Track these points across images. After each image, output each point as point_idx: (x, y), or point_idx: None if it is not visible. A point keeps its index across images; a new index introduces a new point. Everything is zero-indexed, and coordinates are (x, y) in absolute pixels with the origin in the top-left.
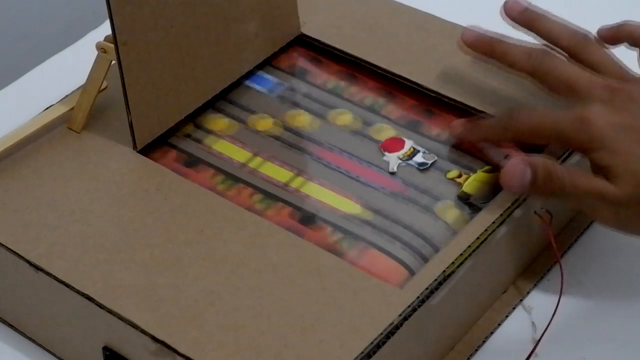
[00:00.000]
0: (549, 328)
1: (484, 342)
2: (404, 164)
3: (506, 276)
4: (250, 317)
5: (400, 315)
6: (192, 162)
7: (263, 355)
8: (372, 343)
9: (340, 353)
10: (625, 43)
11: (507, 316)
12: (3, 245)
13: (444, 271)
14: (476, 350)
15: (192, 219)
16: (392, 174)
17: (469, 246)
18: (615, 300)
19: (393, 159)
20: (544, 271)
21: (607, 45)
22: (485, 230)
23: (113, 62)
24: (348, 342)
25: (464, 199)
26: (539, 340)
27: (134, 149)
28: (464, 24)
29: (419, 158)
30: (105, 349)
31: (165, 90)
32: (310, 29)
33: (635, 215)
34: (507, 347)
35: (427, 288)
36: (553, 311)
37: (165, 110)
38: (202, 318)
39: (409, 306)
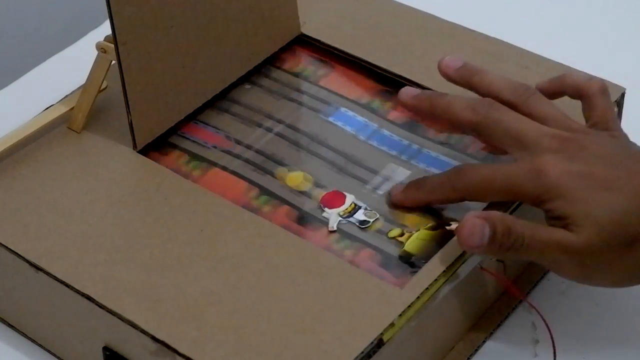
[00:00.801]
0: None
1: (484, 342)
2: (344, 221)
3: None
4: (250, 317)
5: (400, 315)
6: (192, 161)
7: (263, 355)
8: (372, 343)
9: (340, 353)
10: (568, 95)
11: (507, 316)
12: (3, 245)
13: (444, 271)
14: (476, 350)
15: (192, 219)
16: (333, 232)
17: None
18: (615, 300)
19: (333, 216)
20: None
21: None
22: (427, 289)
23: (113, 62)
24: (348, 342)
25: (406, 259)
26: (553, 341)
27: (134, 149)
28: (464, 24)
29: (360, 215)
30: (105, 349)
31: (165, 90)
32: (310, 29)
33: (600, 263)
34: (507, 347)
35: (427, 288)
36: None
37: (165, 110)
38: (202, 318)
39: (409, 306)
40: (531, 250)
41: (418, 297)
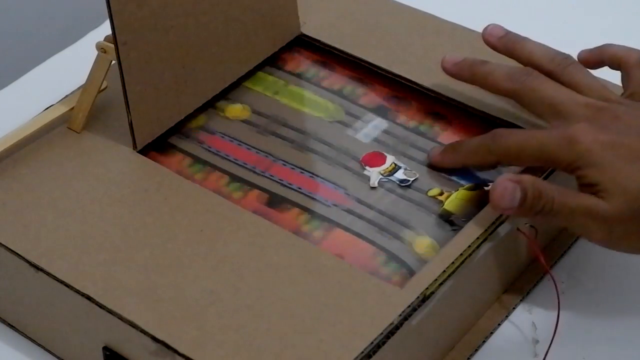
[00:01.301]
0: (550, 329)
1: (484, 342)
2: (385, 179)
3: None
4: (250, 317)
5: (400, 315)
6: (192, 161)
7: (263, 355)
8: (372, 343)
9: (340, 353)
10: (607, 66)
11: (507, 316)
12: (3, 245)
13: (445, 271)
14: (476, 350)
15: (192, 219)
16: (373, 188)
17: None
18: (615, 300)
19: (374, 174)
20: (534, 283)
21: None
22: (469, 246)
23: (113, 62)
24: (348, 342)
25: (446, 217)
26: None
27: (134, 149)
28: (464, 24)
29: (400, 174)
30: (105, 349)
31: (165, 90)
32: (310, 29)
33: (628, 231)
34: (507, 347)
35: (427, 288)
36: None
37: (165, 110)
38: (202, 318)
39: (409, 306)
40: (561, 215)
41: (461, 254)
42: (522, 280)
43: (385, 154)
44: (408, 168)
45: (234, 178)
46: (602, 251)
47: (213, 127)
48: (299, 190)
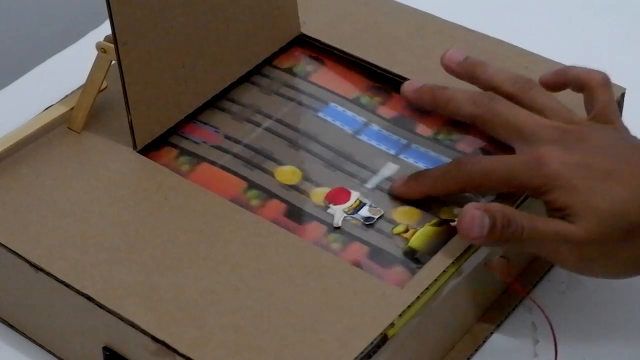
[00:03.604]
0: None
1: (484, 342)
2: (349, 217)
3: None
4: (250, 317)
5: (400, 315)
6: (192, 162)
7: (263, 355)
8: (372, 343)
9: (340, 353)
10: (570, 88)
11: (507, 316)
12: (3, 245)
13: (445, 271)
14: (476, 350)
15: (192, 219)
16: (337, 228)
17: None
18: (615, 300)
19: (338, 213)
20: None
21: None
22: (470, 246)
23: (113, 62)
24: (348, 342)
25: (411, 255)
26: (555, 340)
27: (134, 149)
28: (464, 24)
29: (364, 212)
30: (105, 349)
31: (165, 90)
32: (310, 29)
33: (600, 254)
34: (507, 347)
35: (427, 288)
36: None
37: (165, 110)
38: (202, 318)
39: (409, 306)
40: (531, 241)
41: (424, 291)
42: (526, 275)
43: (350, 189)
44: (372, 205)
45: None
46: None
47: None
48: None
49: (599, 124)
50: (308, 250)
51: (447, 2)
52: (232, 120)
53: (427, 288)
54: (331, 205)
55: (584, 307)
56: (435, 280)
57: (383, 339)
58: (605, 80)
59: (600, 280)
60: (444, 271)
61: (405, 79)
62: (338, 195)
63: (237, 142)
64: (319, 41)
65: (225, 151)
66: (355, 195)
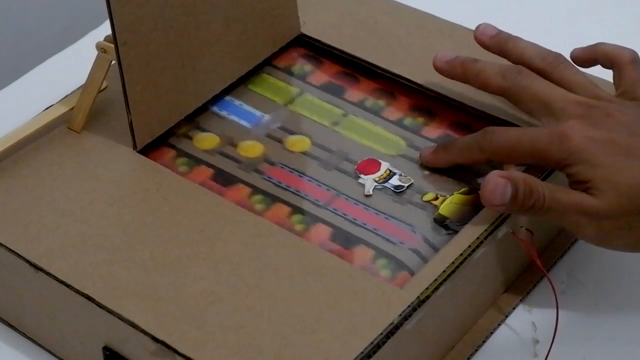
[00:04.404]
0: (550, 329)
1: (484, 342)
2: (380, 186)
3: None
4: (250, 317)
5: (400, 315)
6: (192, 162)
7: (263, 355)
8: (372, 343)
9: (340, 353)
10: (600, 64)
11: (507, 316)
12: (3, 245)
13: (444, 271)
14: (476, 350)
15: (192, 219)
16: (368, 196)
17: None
18: (615, 300)
19: (369, 182)
20: (534, 283)
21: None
22: (469, 246)
23: (113, 62)
24: (348, 342)
25: (440, 222)
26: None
27: (134, 149)
28: (464, 24)
29: (395, 181)
30: (105, 349)
31: (165, 90)
32: (310, 29)
33: (619, 228)
34: (507, 347)
35: (427, 288)
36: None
37: (165, 110)
38: (202, 318)
39: (409, 306)
40: (552, 211)
41: (461, 254)
42: (522, 280)
43: (380, 160)
44: (402, 174)
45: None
46: (602, 251)
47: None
48: (287, 188)
49: (626, 100)
50: (308, 250)
51: (447, 2)
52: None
53: (461, 253)
54: (362, 176)
55: (583, 307)
56: (470, 245)
57: (388, 334)
58: (634, 58)
59: (600, 280)
60: (436, 279)
61: (406, 79)
62: (368, 166)
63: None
64: (319, 41)
65: (226, 156)
66: (385, 166)
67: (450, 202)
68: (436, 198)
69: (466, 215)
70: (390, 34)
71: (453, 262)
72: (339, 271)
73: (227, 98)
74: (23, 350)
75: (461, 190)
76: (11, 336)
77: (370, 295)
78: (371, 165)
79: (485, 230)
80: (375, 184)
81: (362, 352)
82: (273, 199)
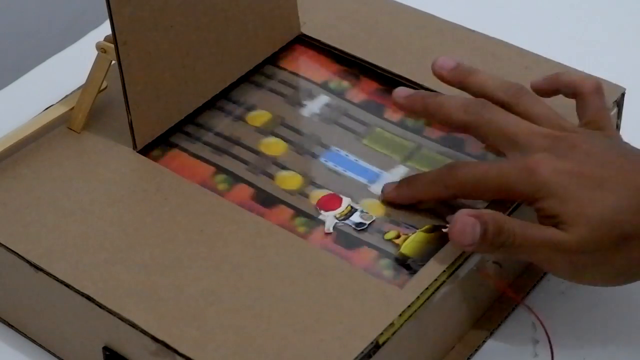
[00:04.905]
0: (549, 330)
1: (484, 342)
2: (340, 223)
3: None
4: (250, 317)
5: (400, 315)
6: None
7: (263, 355)
8: (372, 343)
9: (340, 353)
10: (562, 94)
11: (507, 316)
12: (3, 245)
13: (445, 271)
14: (476, 350)
15: (192, 219)
16: (328, 234)
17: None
18: (615, 300)
19: (329, 219)
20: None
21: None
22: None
23: (113, 62)
24: (348, 342)
25: (402, 261)
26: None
27: (134, 149)
28: (464, 24)
29: (356, 218)
30: (105, 349)
31: (165, 90)
32: (310, 29)
33: (591, 261)
34: (507, 347)
35: (427, 288)
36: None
37: (165, 110)
38: (202, 318)
39: (409, 306)
40: (522, 249)
41: (417, 298)
42: (522, 279)
43: (341, 196)
44: (364, 210)
45: (230, 175)
46: None
47: None
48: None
49: (591, 130)
50: (308, 250)
51: (447, 2)
52: (232, 122)
53: (426, 288)
54: (322, 212)
55: (583, 307)
56: (435, 280)
57: (376, 345)
58: (597, 87)
59: None
60: (435, 279)
61: (406, 79)
62: (329, 202)
63: (237, 144)
64: (319, 41)
65: (225, 152)
66: (346, 202)
67: (412, 241)
68: (398, 236)
69: (429, 253)
70: (390, 34)
71: (453, 263)
72: (339, 271)
73: None
74: (23, 350)
75: (424, 228)
76: (11, 336)
77: (370, 295)
78: (332, 201)
79: (452, 264)
80: (336, 220)
81: (362, 352)
82: (274, 200)
